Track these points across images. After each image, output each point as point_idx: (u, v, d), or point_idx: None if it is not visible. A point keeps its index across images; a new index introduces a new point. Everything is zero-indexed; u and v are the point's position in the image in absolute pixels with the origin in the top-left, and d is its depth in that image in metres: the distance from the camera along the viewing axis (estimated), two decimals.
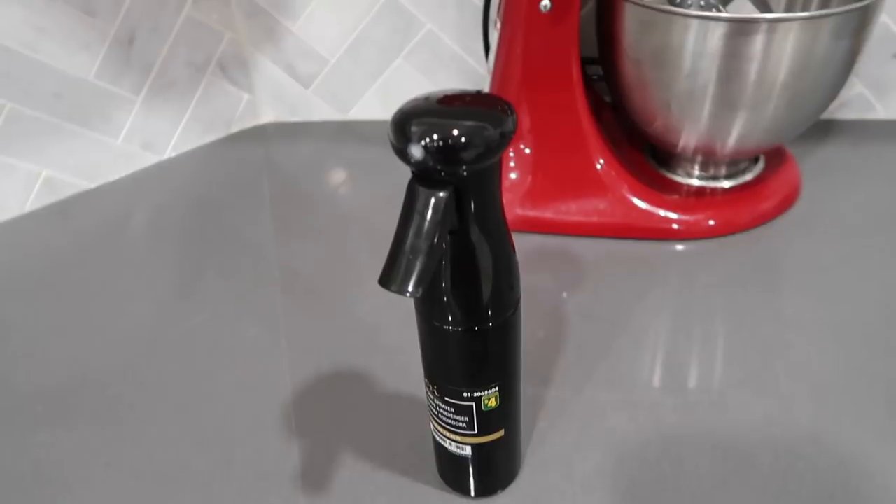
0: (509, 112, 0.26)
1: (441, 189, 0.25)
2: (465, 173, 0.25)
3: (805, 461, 0.38)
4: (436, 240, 0.25)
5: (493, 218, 0.27)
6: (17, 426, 0.44)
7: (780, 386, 0.43)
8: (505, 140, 0.25)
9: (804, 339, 0.46)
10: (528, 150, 0.54)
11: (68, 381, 0.47)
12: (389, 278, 0.25)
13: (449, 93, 0.26)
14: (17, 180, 0.61)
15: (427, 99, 0.26)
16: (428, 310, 0.30)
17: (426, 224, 0.25)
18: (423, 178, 0.25)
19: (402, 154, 0.25)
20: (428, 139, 0.24)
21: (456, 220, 0.26)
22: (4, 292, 0.55)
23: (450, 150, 0.24)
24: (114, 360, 0.48)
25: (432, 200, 0.25)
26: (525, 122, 0.52)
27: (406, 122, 0.24)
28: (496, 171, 0.27)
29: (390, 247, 0.26)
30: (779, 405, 0.42)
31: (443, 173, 0.25)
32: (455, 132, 0.24)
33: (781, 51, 0.45)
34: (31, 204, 0.62)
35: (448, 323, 0.29)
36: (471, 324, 0.29)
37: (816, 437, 0.40)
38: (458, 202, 0.26)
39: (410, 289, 0.24)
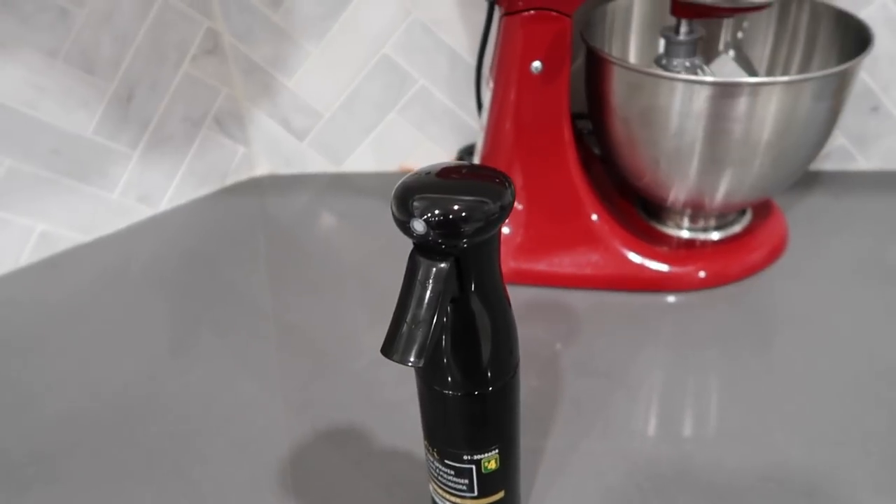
0: (507, 185, 0.27)
1: (442, 260, 0.26)
2: (465, 245, 0.26)
3: None
4: (437, 310, 0.25)
5: (492, 286, 0.28)
6: (9, 487, 0.43)
7: (775, 439, 0.43)
8: (504, 213, 0.26)
9: (796, 391, 0.46)
10: (520, 207, 0.55)
11: (62, 442, 0.46)
12: (392, 348, 0.26)
13: (448, 165, 0.27)
14: (11, 235, 0.61)
15: (428, 174, 0.26)
16: (428, 374, 0.30)
17: (428, 294, 0.26)
18: (424, 249, 0.26)
19: (405, 228, 0.25)
20: (430, 214, 0.25)
21: (457, 290, 0.27)
22: None
23: (451, 224, 0.25)
24: (108, 419, 0.48)
25: (433, 271, 0.26)
26: (518, 179, 0.53)
27: (408, 197, 0.25)
28: (495, 242, 0.27)
29: (392, 316, 0.26)
30: (774, 458, 0.42)
31: (444, 246, 0.25)
32: (456, 207, 0.25)
33: (765, 112, 0.46)
34: (25, 258, 0.62)
35: (448, 387, 0.30)
36: (471, 388, 0.30)
37: (812, 490, 0.40)
38: (458, 272, 0.26)
39: (412, 359, 0.25)
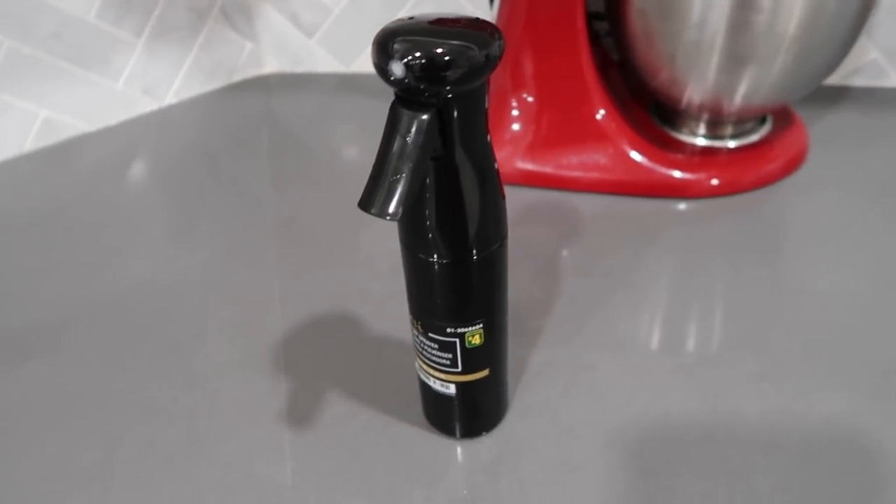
0: (497, 36, 0.25)
1: (423, 112, 0.24)
2: (448, 95, 0.24)
3: (793, 416, 0.38)
4: (417, 162, 0.24)
5: (478, 146, 0.27)
6: (8, 357, 0.44)
7: (773, 344, 0.42)
8: (490, 63, 0.24)
9: (800, 302, 0.45)
10: (530, 99, 0.53)
11: (60, 316, 0.47)
12: (370, 201, 0.25)
13: (437, 16, 0.26)
14: (14, 119, 0.60)
15: (413, 19, 0.25)
16: (412, 241, 0.29)
17: (408, 147, 0.24)
18: (405, 100, 0.25)
19: (384, 72, 0.24)
20: (410, 57, 0.23)
21: (439, 145, 0.25)
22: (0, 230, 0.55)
23: (432, 68, 0.23)
24: (106, 297, 0.48)
25: (415, 123, 0.24)
26: (528, 68, 0.51)
27: (388, 40, 0.24)
28: (482, 97, 0.26)
29: (371, 170, 0.25)
30: (770, 362, 0.41)
31: (426, 94, 0.24)
32: (438, 51, 0.23)
33: (793, 2, 0.43)
34: (29, 144, 0.62)
35: (431, 254, 0.29)
36: (455, 256, 0.29)
37: (807, 393, 0.39)
38: (441, 126, 0.25)
39: (391, 210, 0.24)
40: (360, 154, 0.62)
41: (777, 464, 0.36)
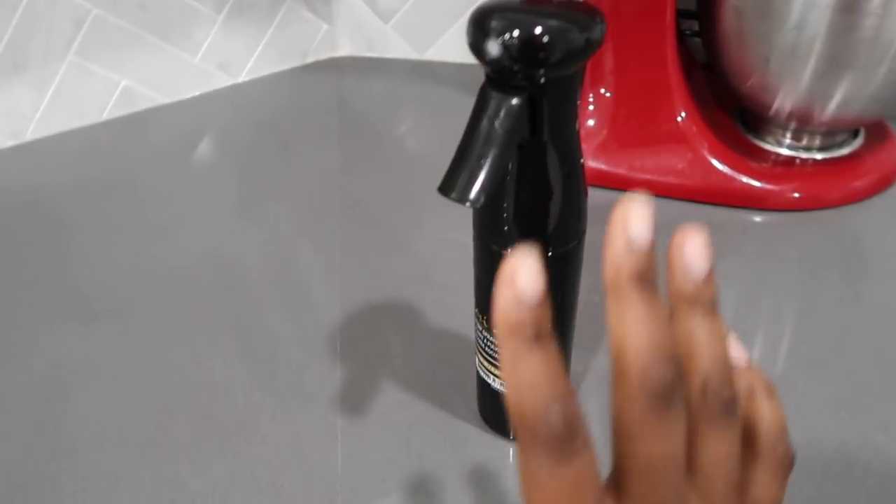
0: (599, 20, 0.24)
1: (515, 95, 0.23)
2: (542, 80, 0.23)
3: (872, 448, 0.36)
4: (504, 149, 0.23)
5: (567, 137, 0.26)
6: (74, 319, 0.45)
7: (853, 369, 0.40)
8: (591, 47, 0.23)
9: (884, 326, 0.42)
10: (608, 94, 0.51)
11: (126, 281, 0.47)
12: (450, 185, 0.24)
13: None
14: (97, 87, 0.62)
15: None
16: (487, 231, 0.28)
17: (496, 131, 0.23)
18: (496, 81, 0.24)
19: (478, 51, 0.23)
20: (507, 35, 0.22)
21: (527, 132, 0.24)
22: (75, 194, 0.56)
23: (530, 49, 0.22)
24: (172, 266, 0.48)
25: (504, 106, 0.23)
26: (608, 61, 0.50)
27: (486, 18, 0.23)
28: (576, 85, 0.25)
29: (455, 153, 0.24)
30: (850, 388, 0.39)
31: (519, 76, 0.23)
32: (538, 31, 0.22)
33: None
34: (108, 112, 0.63)
35: (505, 246, 0.28)
36: None
37: (888, 425, 0.37)
38: (531, 113, 0.24)
39: (472, 196, 0.23)
40: (428, 141, 0.61)
41: (852, 496, 0.33)
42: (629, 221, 0.16)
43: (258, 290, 0.47)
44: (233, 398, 0.39)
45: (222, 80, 0.68)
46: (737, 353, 0.21)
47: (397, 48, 0.72)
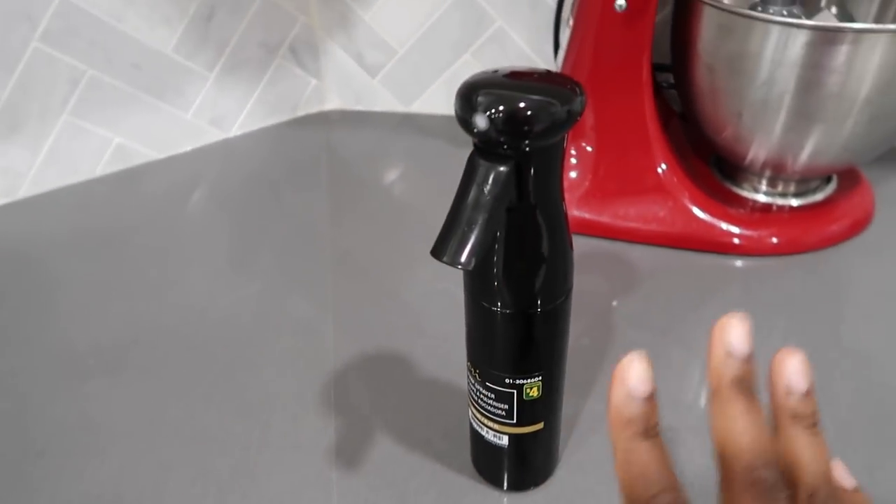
0: (578, 92, 0.25)
1: (502, 163, 0.25)
2: (527, 149, 0.25)
3: None
4: (492, 214, 0.25)
5: (552, 200, 0.27)
6: (69, 376, 0.45)
7: (834, 413, 0.41)
8: (571, 118, 0.25)
9: (863, 370, 0.44)
10: (589, 149, 0.53)
11: (121, 338, 0.48)
12: (442, 249, 0.25)
13: (518, 69, 0.26)
14: (91, 144, 0.63)
15: (496, 72, 0.25)
16: (477, 289, 0.29)
17: (484, 197, 0.25)
18: (484, 150, 0.25)
19: (466, 124, 0.24)
20: (493, 110, 0.24)
21: (515, 197, 0.26)
22: (69, 250, 0.57)
23: (515, 122, 0.24)
24: (166, 322, 0.49)
25: (492, 174, 0.25)
26: (589, 119, 0.52)
27: (473, 92, 0.24)
28: (559, 151, 0.26)
29: (445, 218, 0.26)
30: (831, 432, 0.39)
31: (505, 146, 0.24)
32: (521, 105, 0.24)
33: (867, 64, 0.43)
34: (102, 168, 0.65)
35: (496, 304, 0.29)
36: (519, 307, 0.29)
37: (871, 468, 0.38)
38: (518, 179, 0.25)
39: (463, 260, 0.24)
40: (416, 191, 0.62)
41: None
42: (730, 335, 0.17)
43: (253, 343, 0.47)
44: (228, 452, 0.40)
45: (214, 136, 0.69)
46: (844, 475, 0.22)
47: (384, 101, 0.74)
